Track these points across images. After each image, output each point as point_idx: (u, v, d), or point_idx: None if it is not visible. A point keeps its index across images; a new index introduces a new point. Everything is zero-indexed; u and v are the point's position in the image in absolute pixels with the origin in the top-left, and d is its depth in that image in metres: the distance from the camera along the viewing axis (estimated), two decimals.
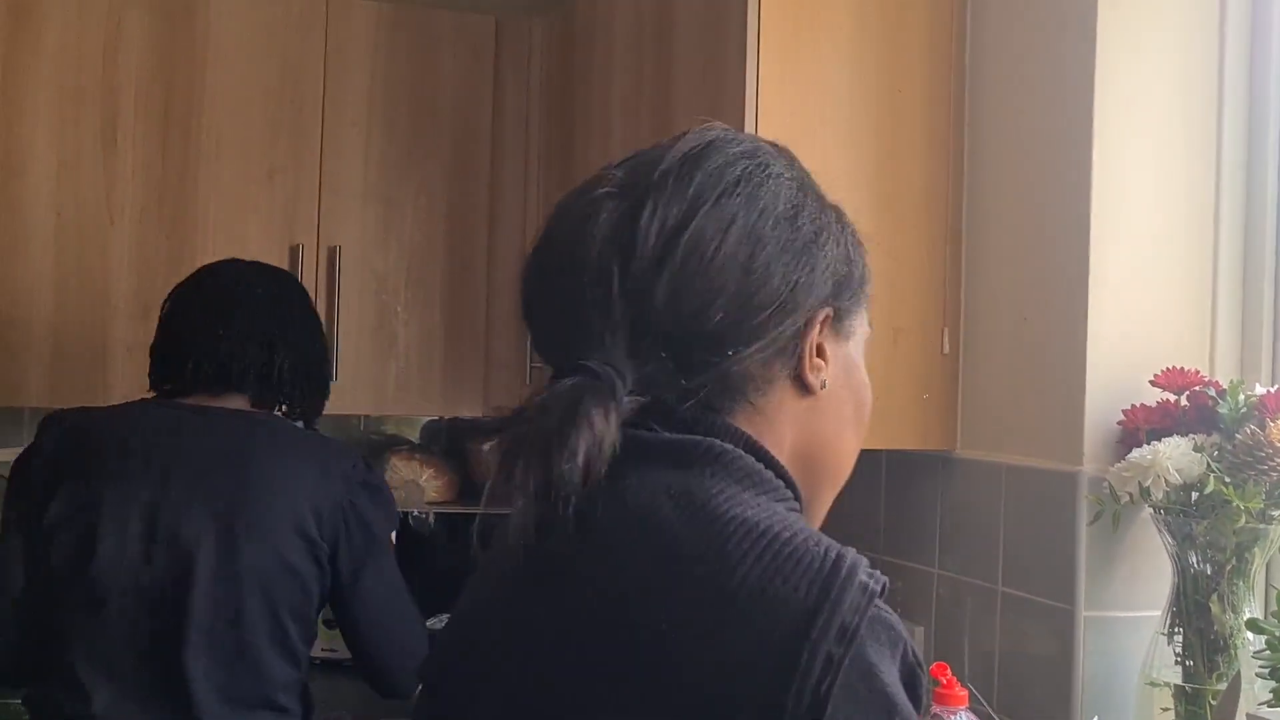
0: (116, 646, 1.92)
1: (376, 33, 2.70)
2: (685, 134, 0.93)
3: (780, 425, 0.90)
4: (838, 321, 0.93)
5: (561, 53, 2.67)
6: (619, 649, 0.79)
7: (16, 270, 2.47)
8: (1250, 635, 1.59)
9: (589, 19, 2.49)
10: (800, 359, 0.90)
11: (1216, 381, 1.70)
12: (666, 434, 0.86)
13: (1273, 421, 1.57)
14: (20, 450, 2.04)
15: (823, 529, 0.91)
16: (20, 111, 2.47)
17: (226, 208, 2.59)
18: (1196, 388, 1.68)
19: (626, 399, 0.84)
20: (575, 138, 2.54)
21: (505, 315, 2.77)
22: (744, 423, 0.88)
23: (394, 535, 2.19)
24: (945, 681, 1.71)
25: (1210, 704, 1.59)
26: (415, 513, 2.79)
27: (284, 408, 2.10)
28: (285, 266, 2.59)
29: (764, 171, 0.91)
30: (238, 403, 2.04)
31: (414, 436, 3.09)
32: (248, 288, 2.08)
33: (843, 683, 0.73)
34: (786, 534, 0.79)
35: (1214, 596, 1.61)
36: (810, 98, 1.91)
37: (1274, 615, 1.59)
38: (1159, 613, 1.68)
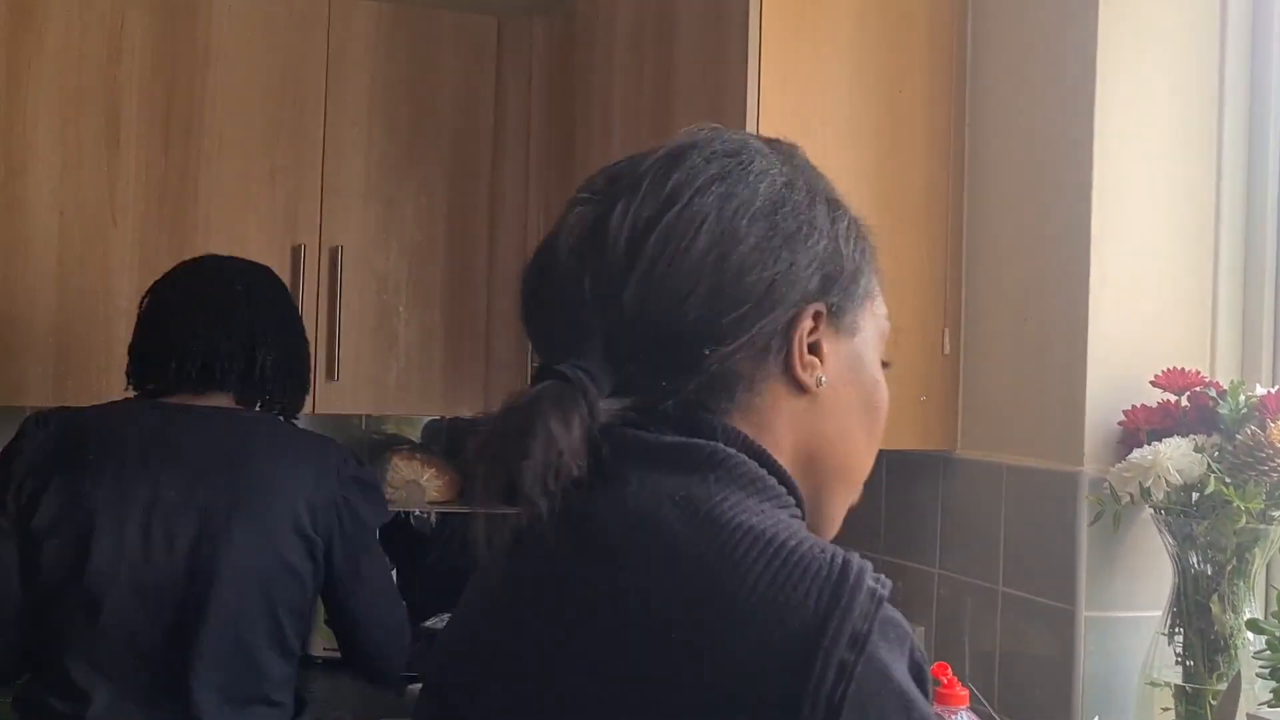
0: (115, 648, 1.92)
1: (378, 33, 2.70)
2: (674, 137, 0.93)
3: (776, 425, 0.89)
4: (836, 318, 0.91)
5: (562, 53, 2.67)
6: (623, 655, 0.79)
7: (19, 270, 2.47)
8: (1250, 635, 1.59)
9: (590, 19, 2.49)
10: (790, 356, 0.89)
11: (1217, 382, 1.70)
12: (669, 436, 0.86)
13: (1273, 422, 1.57)
14: None
15: None
16: (22, 111, 2.47)
17: (228, 208, 2.59)
18: (1197, 388, 1.68)
19: (608, 401, 0.84)
20: (576, 138, 2.54)
21: (506, 315, 2.77)
22: (739, 422, 0.88)
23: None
24: (946, 681, 1.71)
25: (1210, 704, 1.59)
26: (416, 512, 2.79)
27: (264, 403, 2.09)
28: (287, 267, 2.60)
29: (743, 169, 0.90)
30: (221, 400, 2.04)
31: (415, 436, 3.09)
32: (227, 284, 2.08)
33: (857, 688, 0.73)
34: (793, 541, 0.78)
35: (1214, 597, 1.61)
36: (811, 98, 1.91)
37: (1274, 615, 1.59)
38: (1159, 613, 1.68)
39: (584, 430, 0.82)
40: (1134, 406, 1.72)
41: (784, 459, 0.89)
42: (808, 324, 0.89)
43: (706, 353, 0.86)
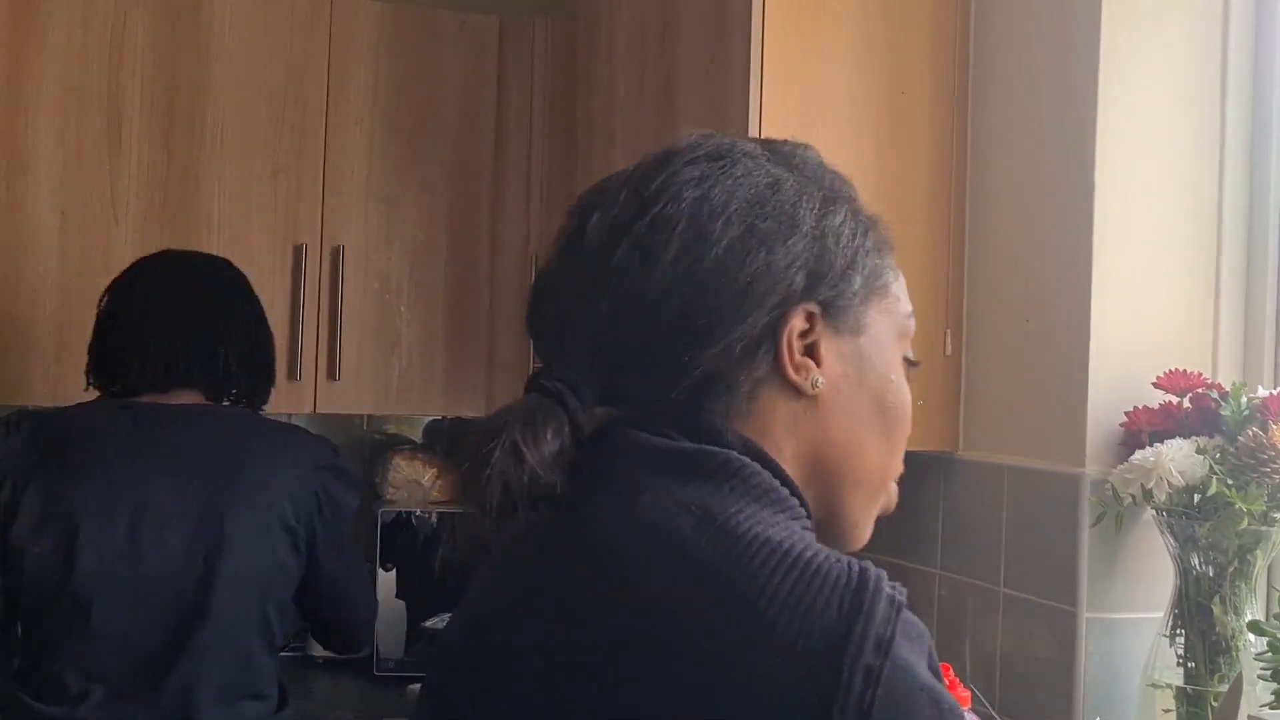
0: (107, 650, 1.91)
1: (380, 32, 2.70)
2: (664, 142, 0.93)
3: (774, 429, 0.88)
4: (834, 317, 0.89)
5: (565, 52, 2.67)
6: (638, 665, 0.78)
7: (20, 269, 2.47)
8: (1252, 637, 1.59)
9: (592, 19, 2.49)
10: (780, 358, 0.88)
11: (1219, 384, 1.70)
12: (680, 442, 0.85)
13: (1275, 424, 1.57)
14: None
15: None
16: (25, 110, 2.47)
17: (229, 207, 2.59)
18: (1199, 390, 1.68)
19: (602, 409, 0.85)
20: (578, 138, 2.54)
21: (508, 315, 2.77)
22: (738, 427, 0.87)
23: None
24: (948, 683, 1.70)
25: (1212, 706, 1.59)
26: (418, 512, 2.79)
27: (231, 397, 2.09)
28: (288, 266, 2.60)
29: (723, 172, 0.89)
30: (189, 397, 2.02)
31: (416, 436, 3.09)
32: (185, 281, 2.07)
33: (886, 692, 0.73)
34: (809, 553, 0.78)
35: (1216, 598, 1.61)
36: (814, 98, 1.91)
37: (1276, 617, 1.59)
38: (1161, 614, 1.68)
39: (563, 440, 0.83)
40: (1136, 408, 1.72)
41: (787, 465, 0.88)
42: (798, 324, 0.88)
43: (687, 357, 0.86)
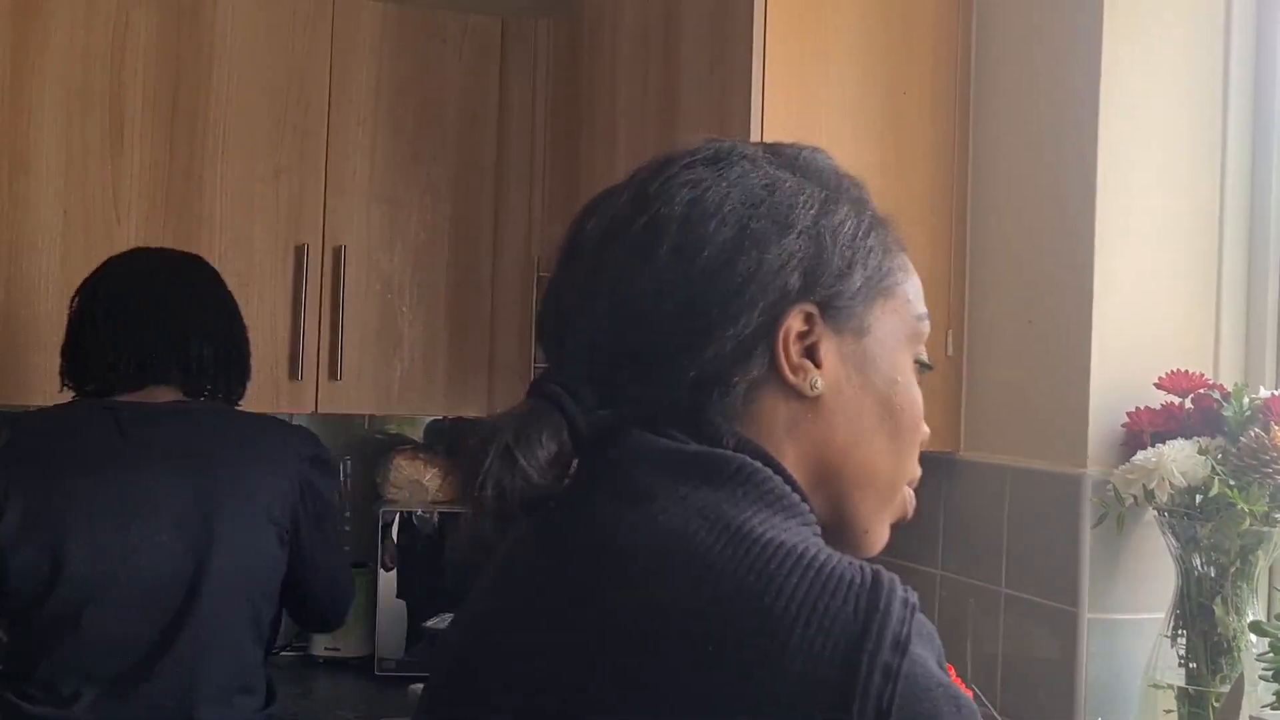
0: (98, 649, 1.90)
1: (383, 33, 2.70)
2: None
3: (774, 431, 0.88)
4: (834, 318, 0.89)
5: (568, 53, 2.68)
6: (653, 667, 0.78)
7: (24, 268, 2.47)
8: (1254, 638, 1.59)
9: (595, 20, 2.49)
10: (776, 359, 0.87)
11: (1221, 384, 1.70)
12: (691, 445, 0.85)
13: (1277, 425, 1.57)
14: None
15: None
16: (27, 110, 2.47)
17: (232, 207, 2.59)
18: (1201, 390, 1.68)
19: (594, 412, 0.85)
20: (581, 139, 2.54)
21: (509, 316, 2.77)
22: (737, 428, 0.87)
23: None
24: None
25: (1213, 706, 1.59)
26: (419, 512, 2.79)
27: (208, 393, 2.08)
28: (290, 266, 2.60)
29: (719, 175, 0.89)
30: (166, 395, 2.02)
31: (417, 436, 3.09)
32: (155, 279, 2.06)
33: (904, 689, 0.73)
34: (823, 556, 0.78)
35: (1218, 599, 1.61)
36: (816, 99, 1.91)
37: (1277, 618, 1.59)
38: (1163, 615, 1.68)
39: (559, 445, 0.83)
40: (1138, 409, 1.72)
41: (790, 467, 0.87)
42: (795, 325, 0.87)
43: (684, 360, 0.86)
